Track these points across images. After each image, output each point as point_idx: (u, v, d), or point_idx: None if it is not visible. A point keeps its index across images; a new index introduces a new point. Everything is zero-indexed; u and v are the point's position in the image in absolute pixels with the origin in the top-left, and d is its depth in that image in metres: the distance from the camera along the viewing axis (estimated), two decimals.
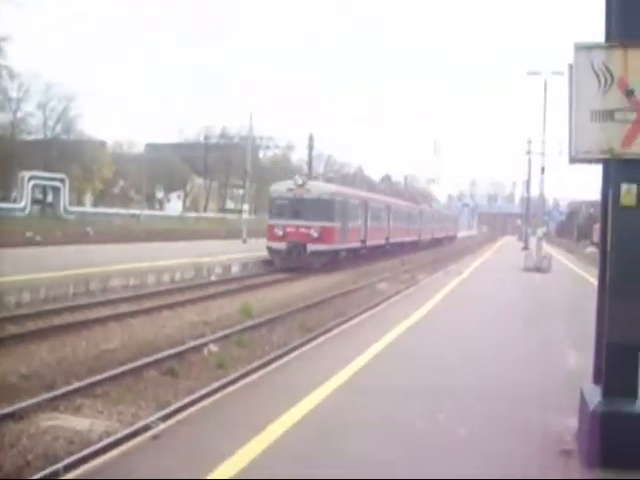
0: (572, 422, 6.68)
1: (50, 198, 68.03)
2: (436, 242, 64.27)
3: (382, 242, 42.77)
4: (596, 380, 6.30)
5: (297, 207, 32.16)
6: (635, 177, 5.93)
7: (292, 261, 30.69)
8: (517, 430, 7.02)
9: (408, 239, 51.13)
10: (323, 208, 32.13)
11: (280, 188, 33.77)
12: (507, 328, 14.24)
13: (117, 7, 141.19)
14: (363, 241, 38.01)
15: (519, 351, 11.44)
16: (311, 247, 31.14)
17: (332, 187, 36.67)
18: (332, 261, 32.95)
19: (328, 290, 23.42)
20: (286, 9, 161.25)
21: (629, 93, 5.94)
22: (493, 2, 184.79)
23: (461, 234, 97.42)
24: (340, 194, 35.34)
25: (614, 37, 6.09)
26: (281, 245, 31.30)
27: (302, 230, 31.47)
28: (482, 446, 6.57)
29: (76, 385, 9.87)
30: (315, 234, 31.37)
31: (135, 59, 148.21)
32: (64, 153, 68.34)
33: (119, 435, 7.71)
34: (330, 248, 32.33)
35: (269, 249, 32.04)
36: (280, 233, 31.49)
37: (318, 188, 33.93)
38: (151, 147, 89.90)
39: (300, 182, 33.08)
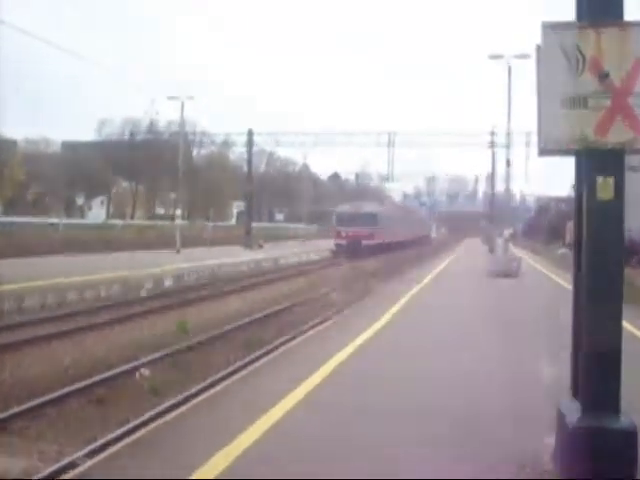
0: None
1: None
2: (421, 239, 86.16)
3: (395, 240, 63.90)
4: (575, 394, 6.29)
5: (355, 218, 56.25)
6: (612, 168, 5.93)
7: (352, 252, 50.40)
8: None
9: (409, 238, 74.29)
10: (371, 219, 56.65)
11: (344, 207, 61.14)
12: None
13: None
14: (387, 238, 59.99)
15: (488, 371, 11.44)
16: (364, 242, 54.17)
17: (376, 206, 64.70)
18: (374, 252, 51.29)
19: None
20: None
21: (603, 76, 5.95)
22: None
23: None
24: (379, 210, 61.72)
25: (585, 16, 6.12)
26: (344, 242, 55.17)
27: (358, 232, 54.63)
28: (453, 468, 6.62)
29: None
30: (367, 234, 54.72)
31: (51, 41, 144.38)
32: None
33: (40, 475, 7.53)
34: (375, 243, 55.38)
35: (336, 245, 55.95)
36: (344, 234, 55.86)
37: (368, 206, 60.52)
38: (68, 146, 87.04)
39: (356, 203, 61.09)
